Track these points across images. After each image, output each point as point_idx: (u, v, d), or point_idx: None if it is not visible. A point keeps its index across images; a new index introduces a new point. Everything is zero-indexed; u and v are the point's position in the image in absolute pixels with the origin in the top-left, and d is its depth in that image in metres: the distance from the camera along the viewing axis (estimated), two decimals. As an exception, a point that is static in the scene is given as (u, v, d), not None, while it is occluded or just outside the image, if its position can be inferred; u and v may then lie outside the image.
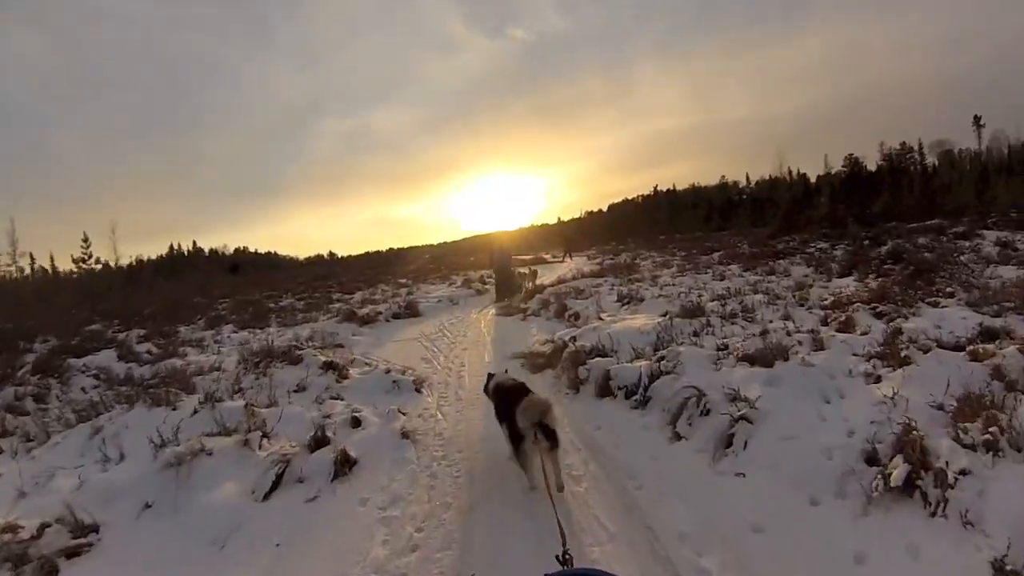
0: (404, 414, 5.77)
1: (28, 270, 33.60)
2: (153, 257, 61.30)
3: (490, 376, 5.01)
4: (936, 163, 64.14)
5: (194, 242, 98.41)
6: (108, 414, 6.31)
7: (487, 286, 19.79)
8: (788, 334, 6.59)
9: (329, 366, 7.59)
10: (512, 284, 16.83)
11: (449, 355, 9.05)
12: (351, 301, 18.23)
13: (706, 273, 15.25)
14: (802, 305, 8.88)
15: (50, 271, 35.72)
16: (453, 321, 12.86)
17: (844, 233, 24.34)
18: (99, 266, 31.90)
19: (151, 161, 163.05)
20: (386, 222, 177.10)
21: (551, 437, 3.81)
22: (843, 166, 72.82)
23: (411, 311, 14.25)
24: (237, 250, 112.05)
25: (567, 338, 7.69)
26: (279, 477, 4.45)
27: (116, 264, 33.36)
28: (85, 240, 31.26)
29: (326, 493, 4.28)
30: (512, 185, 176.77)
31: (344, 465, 4.53)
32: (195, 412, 5.76)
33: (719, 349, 6.21)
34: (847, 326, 7.05)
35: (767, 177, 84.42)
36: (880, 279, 10.97)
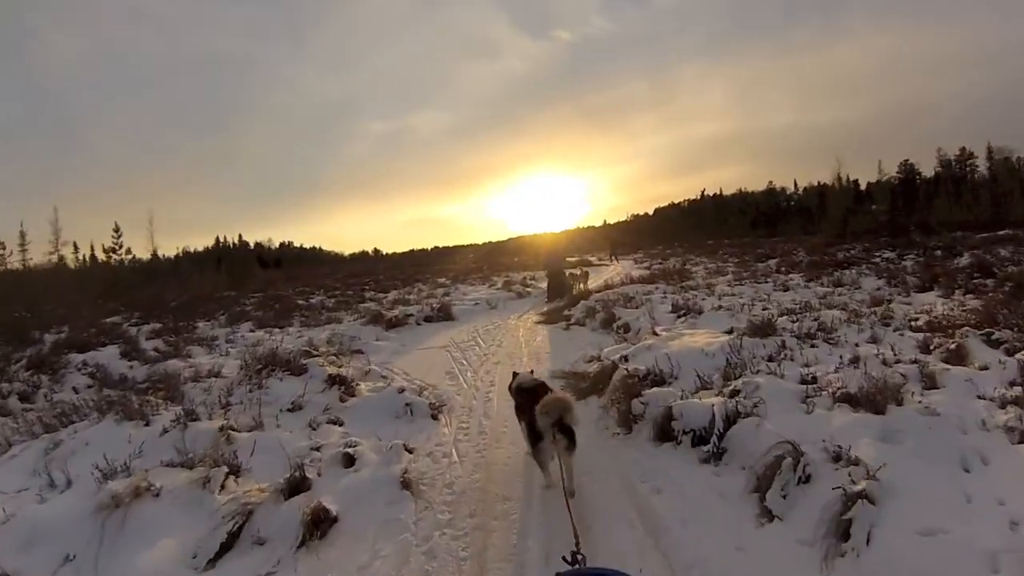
0: (410, 451, 4.63)
1: (72, 260, 34.01)
2: (200, 249, 62.22)
3: (515, 375, 5.02)
4: (991, 170, 60.06)
5: (240, 235, 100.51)
6: (74, 426, 5.41)
7: (529, 288, 18.68)
8: (885, 363, 5.30)
9: (335, 380, 6.52)
10: (564, 285, 16.32)
11: (479, 370, 7.90)
12: (383, 301, 17.31)
13: (766, 282, 13.79)
14: (887, 325, 7.48)
15: (87, 261, 36.07)
16: (489, 327, 11.73)
17: (909, 242, 22.69)
18: (129, 256, 31.82)
19: (197, 159, 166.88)
20: (430, 221, 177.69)
21: (569, 437, 3.78)
22: (898, 172, 69.82)
23: (444, 314, 13.17)
24: (282, 244, 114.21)
25: (617, 357, 6.43)
26: (232, 536, 3.40)
27: (154, 254, 33.29)
28: (116, 230, 31.21)
29: (286, 567, 3.18)
30: (557, 187, 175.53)
31: (316, 527, 3.43)
32: (164, 432, 4.80)
33: (806, 382, 4.90)
34: (958, 357, 5.66)
35: (816, 183, 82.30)
36: (970, 295, 9.63)
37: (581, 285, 16.76)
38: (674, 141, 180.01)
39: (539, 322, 12.10)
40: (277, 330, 12.63)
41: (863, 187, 74.41)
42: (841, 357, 5.72)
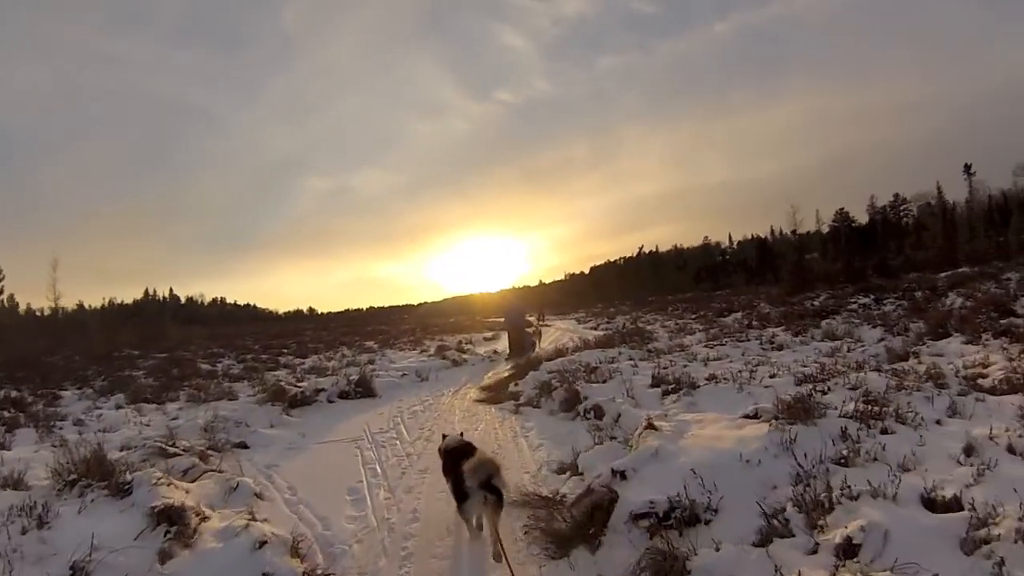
0: None
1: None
2: (128, 302, 57.68)
3: (444, 436, 4.99)
4: (916, 215, 62.81)
5: (171, 288, 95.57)
6: None
7: (466, 355, 16.36)
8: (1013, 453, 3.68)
9: (165, 515, 4.03)
10: (525, 342, 16.07)
11: (397, 486, 5.41)
12: (297, 369, 14.61)
13: (747, 340, 11.91)
14: (941, 387, 5.81)
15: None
16: (417, 408, 9.31)
17: (874, 286, 22.19)
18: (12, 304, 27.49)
19: (139, 206, 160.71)
20: (368, 281, 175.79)
21: (498, 496, 3.76)
22: (834, 221, 71.99)
23: (364, 389, 10.65)
24: (214, 300, 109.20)
25: (609, 476, 4.21)
26: None
27: (55, 306, 28.94)
28: None
29: None
30: (495, 248, 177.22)
31: None
32: None
33: (949, 509, 2.96)
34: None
35: (751, 236, 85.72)
36: (1006, 338, 8.20)
37: (537, 343, 16.46)
38: (612, 200, 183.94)
39: (480, 400, 9.77)
40: (154, 406, 9.91)
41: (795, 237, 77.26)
42: (947, 451, 3.90)
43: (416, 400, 10.00)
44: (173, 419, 8.58)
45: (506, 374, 12.35)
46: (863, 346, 9.63)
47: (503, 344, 20.40)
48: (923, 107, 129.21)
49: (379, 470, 5.91)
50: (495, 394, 9.94)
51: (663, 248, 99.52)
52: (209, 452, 6.47)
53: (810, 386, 6.16)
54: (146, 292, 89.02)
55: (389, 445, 6.93)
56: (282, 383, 10.20)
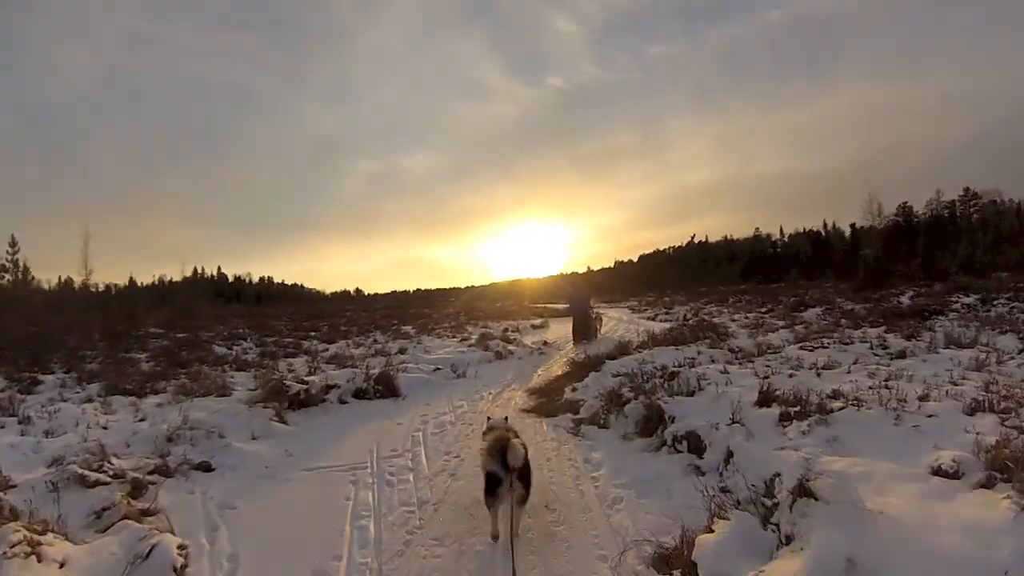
0: None
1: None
2: (177, 279, 58.24)
3: (488, 419, 4.77)
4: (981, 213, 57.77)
5: (219, 267, 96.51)
6: None
7: (512, 346, 14.32)
8: None
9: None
10: (590, 328, 15.52)
11: (394, 569, 3.47)
12: (319, 356, 12.84)
13: (851, 342, 9.53)
14: None
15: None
16: (445, 417, 7.44)
17: (969, 285, 19.81)
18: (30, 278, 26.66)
19: (184, 186, 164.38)
20: (416, 262, 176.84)
21: (526, 486, 3.72)
22: (895, 215, 67.53)
23: (385, 388, 8.77)
24: (262, 279, 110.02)
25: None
26: None
27: (85, 282, 27.87)
28: (12, 244, 25.52)
29: None
30: (542, 233, 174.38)
31: None
32: None
33: None
34: None
35: (802, 230, 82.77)
36: None
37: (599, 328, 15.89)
38: (659, 190, 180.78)
39: (527, 409, 7.78)
40: (131, 399, 8.22)
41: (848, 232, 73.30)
42: None
43: (446, 405, 8.11)
44: (140, 420, 6.97)
45: (560, 371, 10.30)
46: (1011, 356, 7.45)
47: (554, 334, 18.36)
48: (979, 102, 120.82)
49: (372, 533, 3.95)
50: (547, 401, 8.00)
51: (713, 239, 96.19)
52: (151, 479, 4.74)
53: (998, 417, 4.28)
54: (194, 270, 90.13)
55: (399, 481, 5.04)
56: (282, 379, 8.33)
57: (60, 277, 40.59)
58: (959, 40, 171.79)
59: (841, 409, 4.88)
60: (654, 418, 5.70)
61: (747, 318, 17.03)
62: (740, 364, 7.96)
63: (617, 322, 22.17)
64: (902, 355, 8.18)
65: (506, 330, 18.78)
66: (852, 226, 70.20)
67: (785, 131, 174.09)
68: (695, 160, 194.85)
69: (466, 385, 9.72)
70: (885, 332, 10.74)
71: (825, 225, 78.87)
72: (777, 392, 5.61)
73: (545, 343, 15.60)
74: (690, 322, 15.21)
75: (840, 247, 64.43)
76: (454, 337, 17.30)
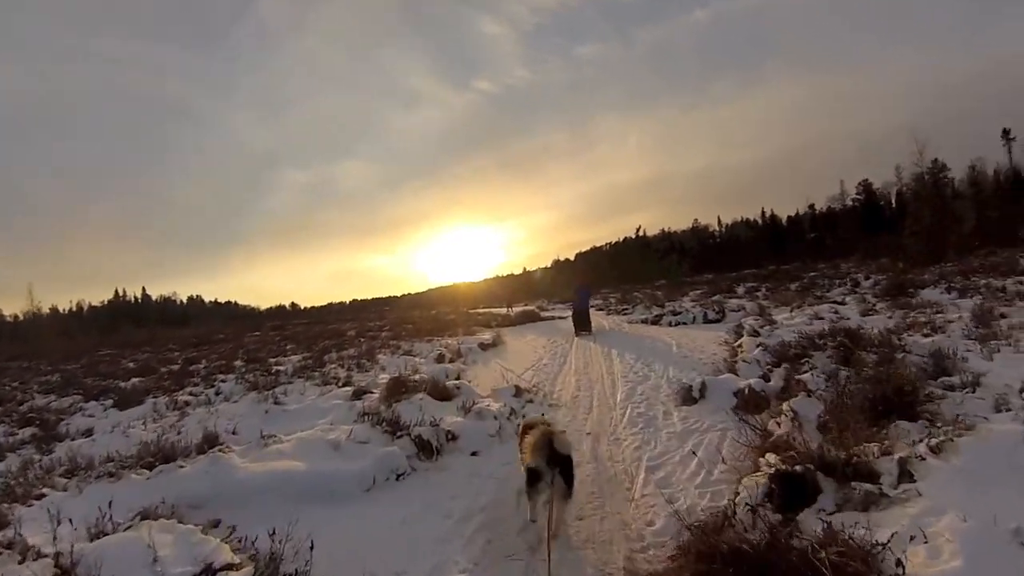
0: None
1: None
2: (96, 304, 51.21)
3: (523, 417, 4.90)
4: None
5: (143, 288, 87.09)
6: None
7: (456, 420, 7.08)
8: None
9: None
10: (588, 321, 15.52)
11: None
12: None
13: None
14: None
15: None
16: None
17: None
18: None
19: (109, 203, 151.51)
20: (353, 273, 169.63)
21: (568, 482, 3.50)
22: (857, 193, 67.45)
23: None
24: (191, 299, 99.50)
25: None
26: None
27: None
28: None
29: None
30: (476, 237, 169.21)
31: None
32: None
33: None
34: None
35: (740, 219, 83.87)
36: None
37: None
38: (590, 188, 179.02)
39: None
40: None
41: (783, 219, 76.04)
42: None
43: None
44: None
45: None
46: None
47: (522, 361, 11.26)
48: (899, 95, 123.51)
49: None
50: None
51: (650, 232, 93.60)
52: None
53: None
54: (116, 293, 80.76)
55: None
56: None
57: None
58: (880, 35, 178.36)
59: None
60: None
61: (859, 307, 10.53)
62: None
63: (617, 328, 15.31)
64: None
65: (442, 356, 11.70)
66: (927, 176, 68.28)
67: (714, 128, 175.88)
68: (625, 158, 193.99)
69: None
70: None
71: (763, 212, 77.56)
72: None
73: (518, 389, 8.03)
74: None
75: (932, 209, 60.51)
76: (345, 384, 9.46)
